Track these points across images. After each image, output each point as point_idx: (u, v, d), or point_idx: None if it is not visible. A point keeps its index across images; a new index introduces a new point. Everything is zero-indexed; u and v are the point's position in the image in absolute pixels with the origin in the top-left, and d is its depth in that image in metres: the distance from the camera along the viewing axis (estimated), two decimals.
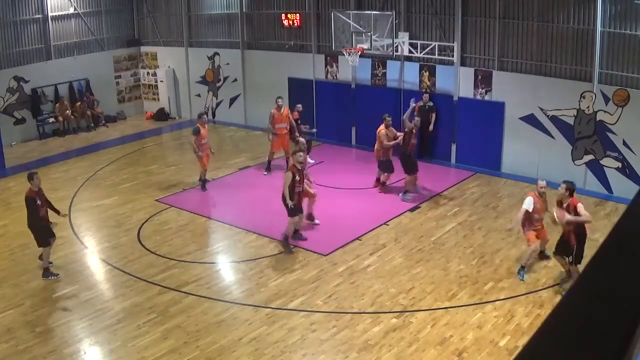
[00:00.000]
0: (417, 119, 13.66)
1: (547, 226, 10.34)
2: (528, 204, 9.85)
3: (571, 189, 9.37)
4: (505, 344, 8.19)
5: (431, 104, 16.04)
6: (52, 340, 8.54)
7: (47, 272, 10.33)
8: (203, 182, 14.43)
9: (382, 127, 13.56)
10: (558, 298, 9.23)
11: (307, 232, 11.77)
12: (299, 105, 15.92)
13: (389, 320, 8.87)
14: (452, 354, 8.02)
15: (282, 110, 15.17)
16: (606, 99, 13.41)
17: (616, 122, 13.36)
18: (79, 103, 20.64)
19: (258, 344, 8.35)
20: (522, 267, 10.05)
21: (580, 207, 9.22)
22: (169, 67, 22.35)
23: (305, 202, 11.78)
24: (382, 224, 12.31)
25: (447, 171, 15.64)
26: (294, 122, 15.36)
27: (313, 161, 15.64)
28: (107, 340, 8.54)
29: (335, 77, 18.24)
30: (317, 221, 12.20)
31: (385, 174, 13.94)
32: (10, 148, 18.24)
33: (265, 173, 15.45)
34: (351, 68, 17.01)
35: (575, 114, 14.01)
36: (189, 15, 21.52)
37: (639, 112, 12.93)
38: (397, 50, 15.64)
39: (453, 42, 15.57)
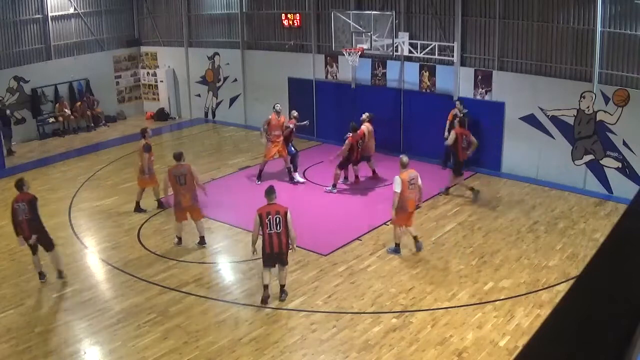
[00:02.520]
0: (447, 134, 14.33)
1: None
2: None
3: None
4: (505, 344, 8.18)
5: (466, 110, 15.02)
6: (52, 340, 8.54)
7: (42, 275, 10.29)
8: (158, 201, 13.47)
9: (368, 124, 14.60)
10: (558, 298, 9.22)
11: (308, 232, 11.68)
12: (295, 112, 15.21)
13: (389, 320, 8.87)
14: (452, 354, 8.01)
15: (279, 117, 14.66)
16: (606, 99, 13.40)
17: (616, 122, 13.35)
18: (79, 103, 20.66)
19: (258, 344, 8.35)
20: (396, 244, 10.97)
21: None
22: (169, 67, 22.35)
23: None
24: (382, 224, 12.31)
25: (448, 171, 15.59)
26: (292, 128, 14.80)
27: (303, 180, 15.06)
28: (107, 340, 8.54)
29: (335, 77, 18.23)
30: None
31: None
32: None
33: (258, 182, 14.71)
34: (351, 68, 17.00)
35: (575, 114, 14.00)
36: (189, 15, 21.53)
37: (639, 112, 12.94)
38: (397, 50, 15.63)
39: (453, 42, 15.56)
